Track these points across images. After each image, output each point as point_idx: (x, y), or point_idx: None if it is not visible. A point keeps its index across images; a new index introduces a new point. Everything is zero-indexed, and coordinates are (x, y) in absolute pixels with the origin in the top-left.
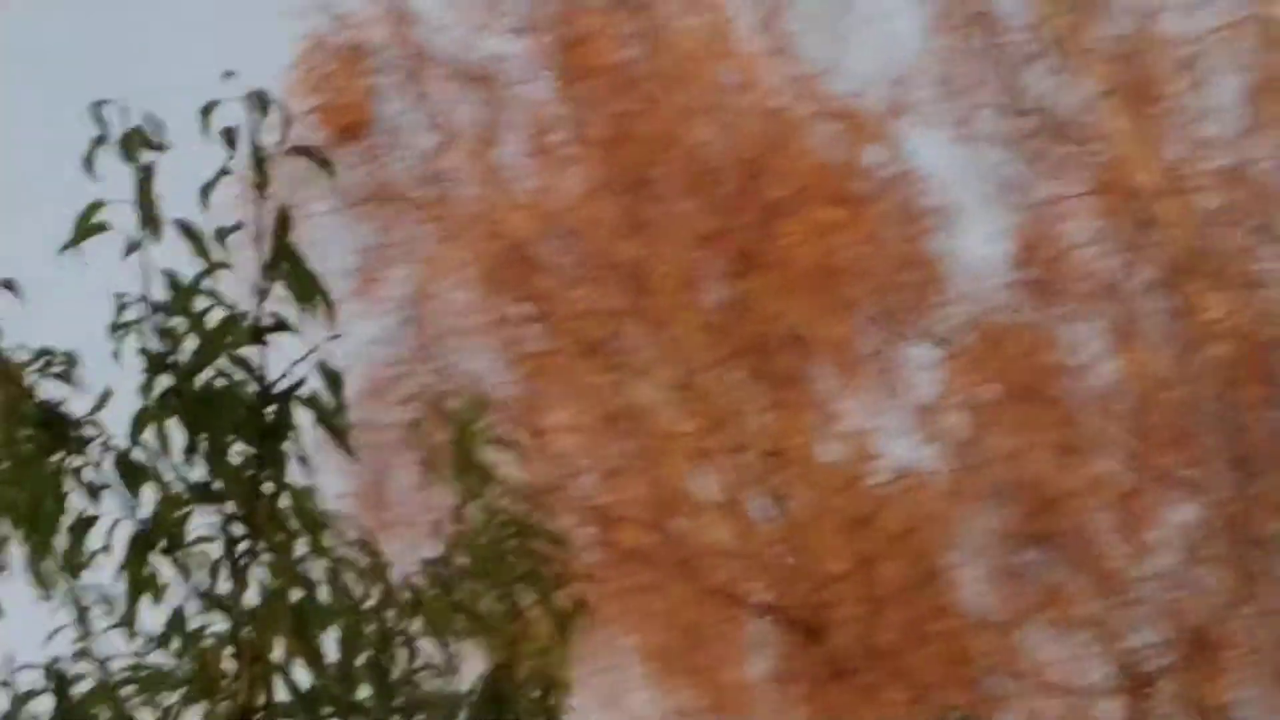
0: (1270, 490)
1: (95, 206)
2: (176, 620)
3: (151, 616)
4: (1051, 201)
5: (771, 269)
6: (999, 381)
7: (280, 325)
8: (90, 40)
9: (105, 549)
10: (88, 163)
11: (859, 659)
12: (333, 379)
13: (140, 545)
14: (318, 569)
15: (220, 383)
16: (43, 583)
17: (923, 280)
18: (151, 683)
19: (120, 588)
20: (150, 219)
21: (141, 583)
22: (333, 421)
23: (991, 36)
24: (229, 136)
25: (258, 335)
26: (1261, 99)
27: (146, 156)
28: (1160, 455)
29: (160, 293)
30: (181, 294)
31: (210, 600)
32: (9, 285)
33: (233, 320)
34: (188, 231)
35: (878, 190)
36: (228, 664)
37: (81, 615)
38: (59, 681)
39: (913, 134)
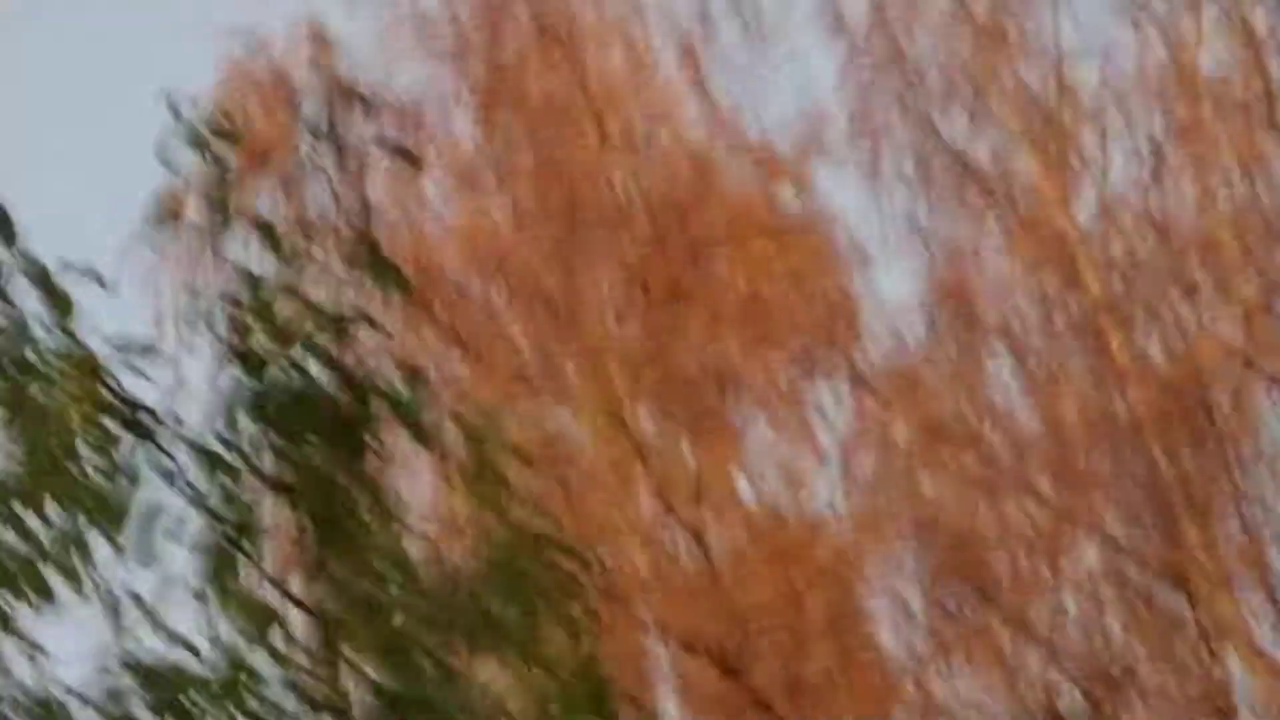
0: (1187, 535)
1: (168, 195)
2: (256, 614)
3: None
4: (966, 244)
5: (699, 303)
6: (916, 422)
7: (362, 318)
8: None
9: (181, 540)
10: (163, 153)
11: (778, 695)
12: (413, 373)
13: (218, 539)
14: (390, 564)
15: (298, 375)
16: (74, 578)
17: (840, 319)
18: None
19: (150, 584)
20: (224, 210)
21: (218, 576)
22: (411, 416)
23: (905, 78)
24: (315, 130)
25: (338, 328)
26: (1177, 146)
27: (220, 147)
28: (1078, 498)
29: (236, 284)
30: (259, 286)
31: (256, 612)
32: (93, 275)
33: (313, 313)
34: (263, 225)
35: (796, 228)
36: (303, 659)
37: (116, 613)
38: (154, 678)
39: (827, 174)
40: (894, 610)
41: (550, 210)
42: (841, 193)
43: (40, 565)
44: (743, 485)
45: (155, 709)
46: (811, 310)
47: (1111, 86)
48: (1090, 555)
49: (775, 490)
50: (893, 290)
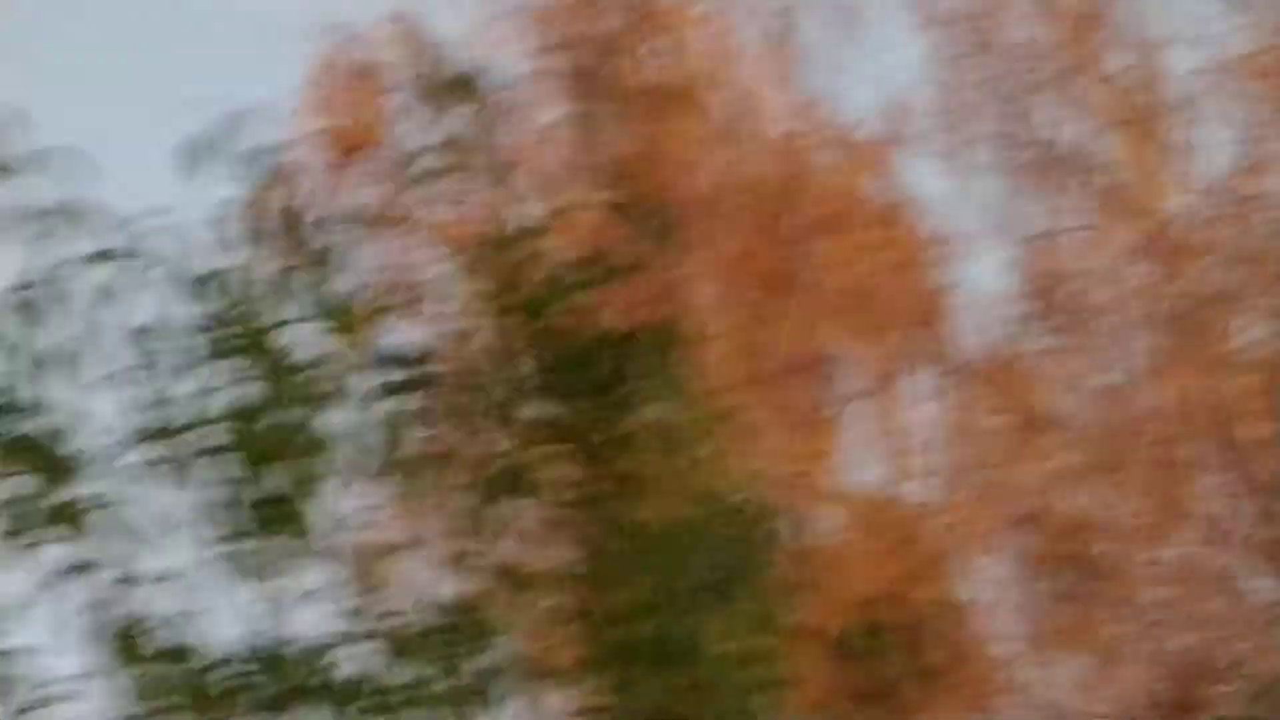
0: None
1: (429, 151)
2: (508, 567)
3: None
4: (1059, 232)
5: (797, 293)
6: (1014, 410)
7: (633, 267)
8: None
9: (438, 492)
10: (428, 108)
11: (885, 683)
12: (671, 324)
13: (490, 486)
14: (643, 522)
15: (567, 322)
16: (320, 528)
17: (936, 308)
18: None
19: (399, 536)
20: (494, 162)
21: (476, 528)
22: (675, 367)
23: (994, 66)
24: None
25: (609, 276)
26: (1270, 132)
27: (477, 104)
28: (1179, 486)
29: (502, 236)
30: (529, 234)
31: (508, 565)
32: (358, 219)
33: (586, 261)
34: (531, 176)
35: (889, 218)
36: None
37: (352, 575)
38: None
39: (917, 163)
40: (996, 599)
41: (648, 199)
42: (932, 181)
43: (292, 511)
44: (843, 474)
45: (399, 656)
46: (908, 300)
47: (1206, 72)
48: (1191, 541)
49: (875, 479)
50: (991, 280)
